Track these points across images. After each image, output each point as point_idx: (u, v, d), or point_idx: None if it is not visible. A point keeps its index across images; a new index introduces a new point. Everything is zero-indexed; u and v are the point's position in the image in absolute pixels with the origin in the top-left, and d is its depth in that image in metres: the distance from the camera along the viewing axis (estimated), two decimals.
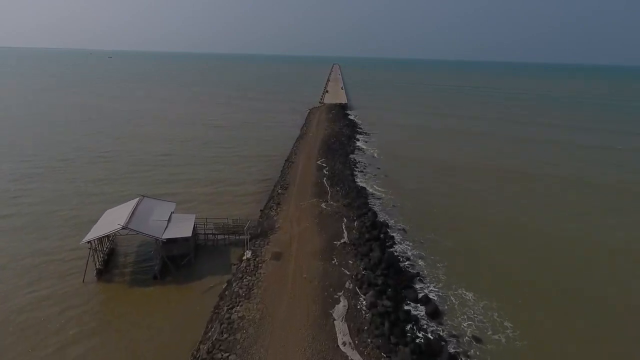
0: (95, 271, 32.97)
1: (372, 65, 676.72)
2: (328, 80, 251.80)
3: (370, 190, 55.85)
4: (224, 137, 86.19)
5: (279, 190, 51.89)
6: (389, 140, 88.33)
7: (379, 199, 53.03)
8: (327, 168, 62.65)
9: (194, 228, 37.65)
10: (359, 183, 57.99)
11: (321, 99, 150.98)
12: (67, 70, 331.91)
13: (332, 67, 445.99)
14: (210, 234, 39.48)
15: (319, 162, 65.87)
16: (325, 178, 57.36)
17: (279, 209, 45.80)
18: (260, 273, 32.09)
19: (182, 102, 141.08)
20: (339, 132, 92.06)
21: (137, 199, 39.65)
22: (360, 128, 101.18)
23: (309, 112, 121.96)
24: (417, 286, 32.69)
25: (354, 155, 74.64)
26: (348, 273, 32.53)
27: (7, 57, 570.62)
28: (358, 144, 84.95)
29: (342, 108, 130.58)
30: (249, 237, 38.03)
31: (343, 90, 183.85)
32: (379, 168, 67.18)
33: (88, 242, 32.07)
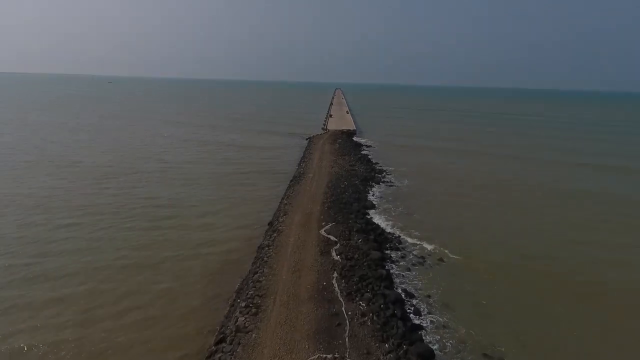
0: None
1: (372, 91, 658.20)
2: (331, 104, 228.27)
3: (427, 306, 28.67)
4: (176, 194, 50.94)
5: (241, 319, 24.62)
6: (422, 189, 61.40)
7: (446, 328, 25.99)
8: (337, 246, 35.73)
9: None
10: (402, 285, 30.93)
11: (324, 124, 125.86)
12: (55, 94, 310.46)
13: (335, 92, 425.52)
14: None
15: (323, 232, 39.00)
16: (336, 275, 30.41)
17: None
18: None
19: (144, 135, 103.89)
20: (350, 170, 65.74)
21: None
22: (377, 164, 74.88)
23: (310, 141, 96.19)
24: None
25: (377, 215, 47.83)
26: None
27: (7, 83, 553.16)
28: (379, 191, 58.35)
29: (350, 136, 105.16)
30: None
31: (349, 115, 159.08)
32: (420, 239, 40.28)
33: None
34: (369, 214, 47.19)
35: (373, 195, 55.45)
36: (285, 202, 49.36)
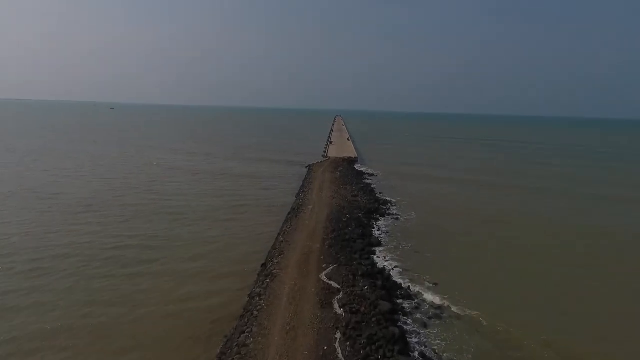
0: None
1: (375, 118, 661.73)
2: (332, 130, 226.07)
3: None
4: (161, 232, 44.71)
5: None
6: (431, 223, 56.69)
7: None
8: (340, 296, 30.65)
9: None
10: (420, 347, 25.72)
11: (325, 151, 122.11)
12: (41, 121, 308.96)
13: (335, 119, 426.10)
14: None
15: (324, 277, 33.96)
16: (339, 335, 25.27)
17: None
18: None
19: (135, 163, 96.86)
20: (352, 202, 61.03)
21: None
22: (382, 194, 70.28)
23: (309, 169, 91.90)
24: None
25: (384, 254, 42.77)
26: None
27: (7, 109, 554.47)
28: (384, 225, 53.47)
29: (352, 164, 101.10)
30: None
31: (350, 142, 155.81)
32: (435, 284, 35.21)
33: None
34: (375, 253, 42.28)
35: (378, 230, 50.54)
36: (282, 239, 44.39)
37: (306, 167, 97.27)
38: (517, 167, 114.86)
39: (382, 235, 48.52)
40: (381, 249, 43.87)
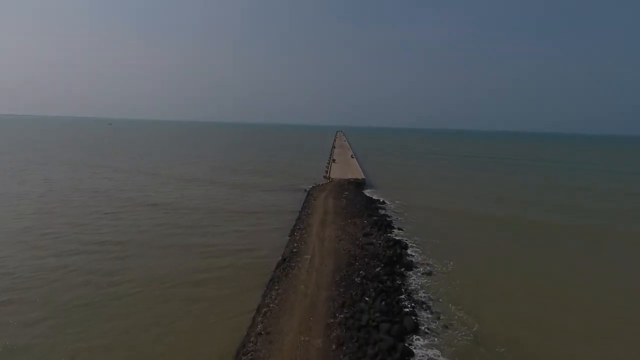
0: None
1: (374, 133, 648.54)
2: (333, 147, 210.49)
3: None
4: (72, 324, 27.46)
5: None
6: (478, 279, 40.10)
7: None
8: None
9: None
10: None
11: (327, 171, 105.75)
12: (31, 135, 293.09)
13: (336, 134, 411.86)
14: None
15: None
16: None
17: None
18: None
19: (96, 191, 77.51)
20: (365, 245, 44.47)
21: None
22: (401, 231, 54.02)
23: (309, 194, 75.40)
24: None
25: (428, 348, 26.05)
26: None
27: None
28: (416, 285, 36.84)
29: (359, 187, 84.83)
30: None
31: (355, 160, 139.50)
32: None
33: None
34: (414, 354, 25.45)
35: (409, 299, 33.69)
36: (260, 326, 27.44)
37: (305, 190, 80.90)
38: (560, 194, 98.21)
39: (417, 309, 31.76)
40: (423, 342, 27.05)
